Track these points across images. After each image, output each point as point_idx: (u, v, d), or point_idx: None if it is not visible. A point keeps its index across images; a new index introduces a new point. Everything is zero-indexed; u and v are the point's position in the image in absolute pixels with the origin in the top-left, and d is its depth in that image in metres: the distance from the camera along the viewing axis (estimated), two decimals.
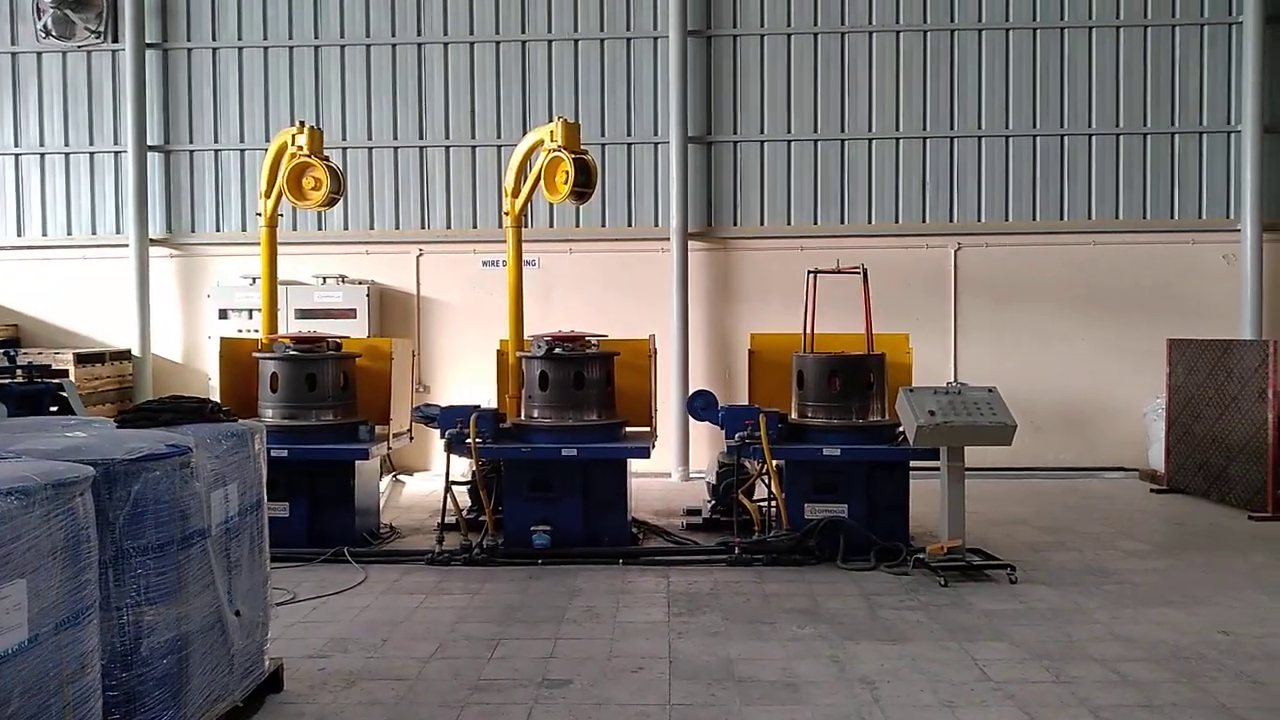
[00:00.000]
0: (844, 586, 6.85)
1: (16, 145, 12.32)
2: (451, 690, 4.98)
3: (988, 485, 10.56)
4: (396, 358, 8.68)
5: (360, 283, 11.80)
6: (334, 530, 7.84)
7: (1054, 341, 11.70)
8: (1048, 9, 11.68)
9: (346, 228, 12.08)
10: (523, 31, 11.92)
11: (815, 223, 11.82)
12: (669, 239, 11.63)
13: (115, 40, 12.11)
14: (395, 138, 12.04)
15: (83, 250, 12.28)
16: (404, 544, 8.25)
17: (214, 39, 12.10)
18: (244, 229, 12.06)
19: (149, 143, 12.09)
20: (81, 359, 11.06)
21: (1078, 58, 11.70)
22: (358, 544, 7.84)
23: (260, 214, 8.89)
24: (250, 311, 11.35)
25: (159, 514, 3.74)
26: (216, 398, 8.59)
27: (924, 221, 11.81)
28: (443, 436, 7.78)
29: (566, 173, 7.93)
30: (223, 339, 8.86)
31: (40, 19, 12.05)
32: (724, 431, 7.74)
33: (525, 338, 8.42)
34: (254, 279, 11.19)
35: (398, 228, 12.07)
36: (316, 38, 12.03)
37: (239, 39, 12.08)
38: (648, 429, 8.31)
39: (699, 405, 8.14)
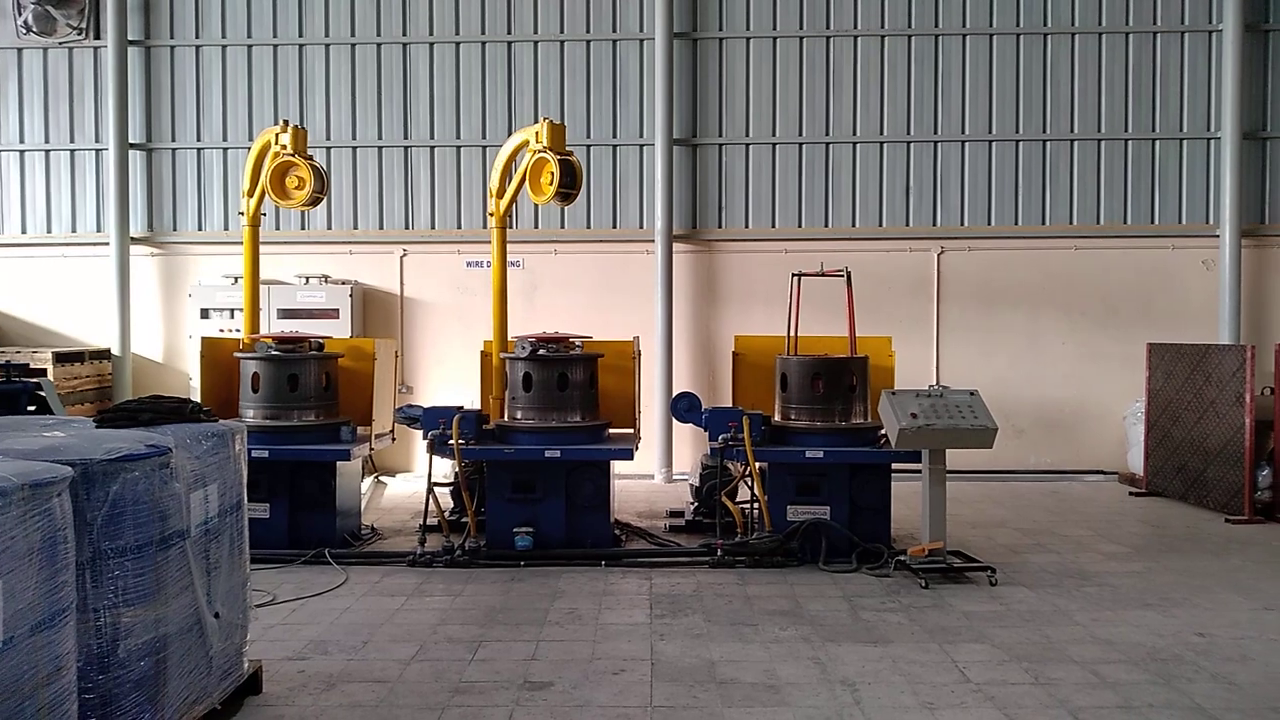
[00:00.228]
0: (826, 588, 6.88)
1: None
2: (432, 692, 4.97)
3: (969, 488, 10.64)
4: (379, 358, 8.65)
5: (343, 283, 11.76)
6: (315, 531, 7.80)
7: (1035, 345, 11.78)
8: (1031, 15, 11.77)
9: (330, 227, 12.02)
10: (509, 32, 11.91)
11: (799, 225, 11.85)
12: (654, 241, 11.64)
13: (97, 37, 12.02)
14: (380, 137, 12.00)
15: (63, 248, 12.18)
16: (386, 545, 8.22)
17: (197, 36, 12.03)
18: (226, 228, 11.99)
19: (131, 140, 12.00)
20: (60, 358, 10.96)
21: (1060, 63, 11.78)
22: (339, 545, 7.81)
23: (243, 213, 8.84)
24: (232, 311, 11.30)
25: (137, 515, 3.71)
26: (197, 398, 8.56)
27: (907, 225, 11.87)
28: (425, 438, 7.76)
29: (552, 174, 7.91)
30: (204, 339, 8.80)
31: (21, 15, 11.93)
32: (707, 433, 7.76)
33: (509, 339, 8.41)
34: (236, 278, 11.13)
35: (381, 228, 12.03)
36: (301, 36, 11.98)
37: (223, 37, 12.02)
38: (631, 431, 8.31)
39: (683, 407, 8.14)
